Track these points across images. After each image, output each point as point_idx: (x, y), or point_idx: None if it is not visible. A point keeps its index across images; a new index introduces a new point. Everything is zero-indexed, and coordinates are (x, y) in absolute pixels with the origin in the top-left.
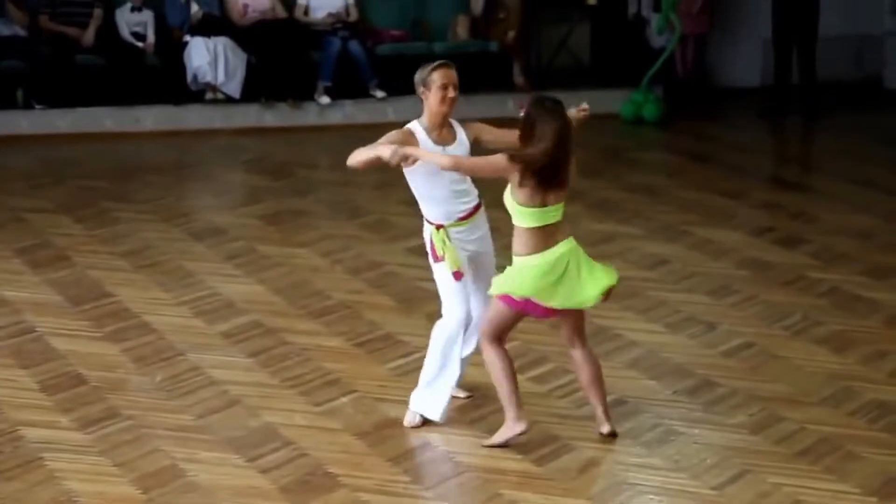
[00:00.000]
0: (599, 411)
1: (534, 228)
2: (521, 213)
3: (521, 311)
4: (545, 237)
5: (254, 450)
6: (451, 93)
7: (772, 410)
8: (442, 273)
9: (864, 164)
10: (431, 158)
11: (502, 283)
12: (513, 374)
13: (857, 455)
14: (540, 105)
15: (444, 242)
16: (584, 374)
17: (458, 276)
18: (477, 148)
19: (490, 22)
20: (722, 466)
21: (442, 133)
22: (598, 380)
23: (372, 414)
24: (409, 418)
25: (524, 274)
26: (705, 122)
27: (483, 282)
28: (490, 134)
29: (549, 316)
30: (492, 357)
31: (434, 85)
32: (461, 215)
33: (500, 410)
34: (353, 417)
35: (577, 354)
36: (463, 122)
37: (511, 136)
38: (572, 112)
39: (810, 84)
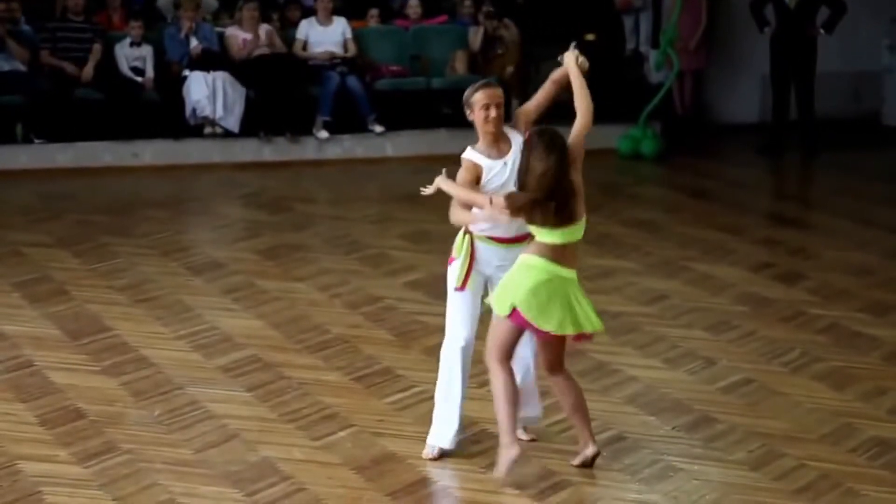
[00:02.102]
0: (586, 434)
1: (551, 244)
2: (538, 231)
3: (521, 327)
4: (558, 253)
5: (252, 484)
6: (494, 112)
7: (771, 447)
8: (452, 292)
9: (863, 201)
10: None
11: (505, 298)
12: (516, 397)
13: (857, 492)
14: (539, 137)
15: (462, 246)
16: (566, 400)
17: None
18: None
19: (488, 57)
20: (721, 503)
21: (499, 147)
22: (582, 405)
23: (370, 448)
24: (426, 451)
25: (521, 284)
26: (704, 158)
27: None
28: (534, 109)
29: (545, 338)
30: (499, 378)
31: (476, 106)
32: (492, 234)
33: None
34: (351, 452)
35: (559, 381)
36: (514, 116)
37: (539, 96)
38: (569, 59)
39: (808, 121)
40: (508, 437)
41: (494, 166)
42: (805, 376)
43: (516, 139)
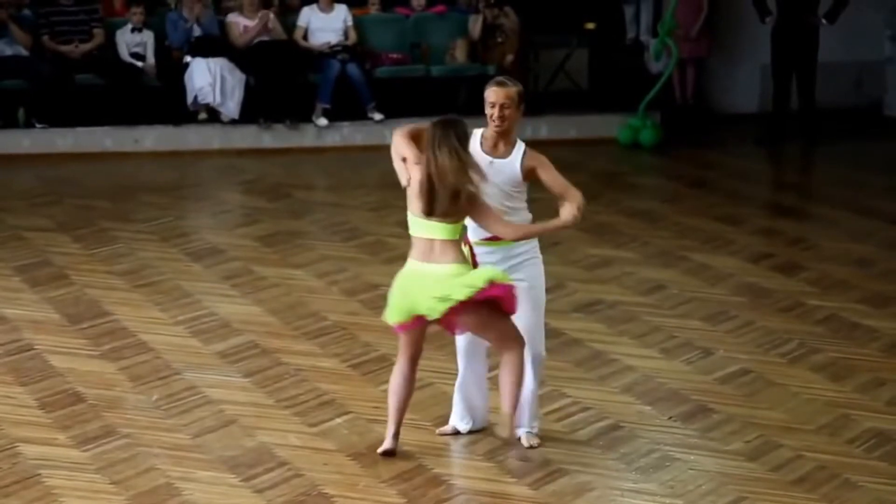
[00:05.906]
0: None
1: (416, 237)
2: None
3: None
4: (423, 250)
5: (248, 469)
6: (497, 111)
7: (768, 437)
8: None
9: (863, 192)
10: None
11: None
12: (401, 394)
13: (854, 484)
14: (440, 124)
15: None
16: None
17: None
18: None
19: (488, 46)
20: (718, 493)
21: (497, 146)
22: (511, 384)
23: (366, 435)
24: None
25: (391, 296)
26: (703, 147)
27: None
28: (547, 174)
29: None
30: (393, 372)
31: (486, 102)
32: (487, 235)
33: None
34: (347, 438)
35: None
36: (531, 149)
37: (561, 184)
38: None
39: (809, 110)
40: (387, 430)
41: (479, 160)
42: (803, 367)
43: (517, 156)
